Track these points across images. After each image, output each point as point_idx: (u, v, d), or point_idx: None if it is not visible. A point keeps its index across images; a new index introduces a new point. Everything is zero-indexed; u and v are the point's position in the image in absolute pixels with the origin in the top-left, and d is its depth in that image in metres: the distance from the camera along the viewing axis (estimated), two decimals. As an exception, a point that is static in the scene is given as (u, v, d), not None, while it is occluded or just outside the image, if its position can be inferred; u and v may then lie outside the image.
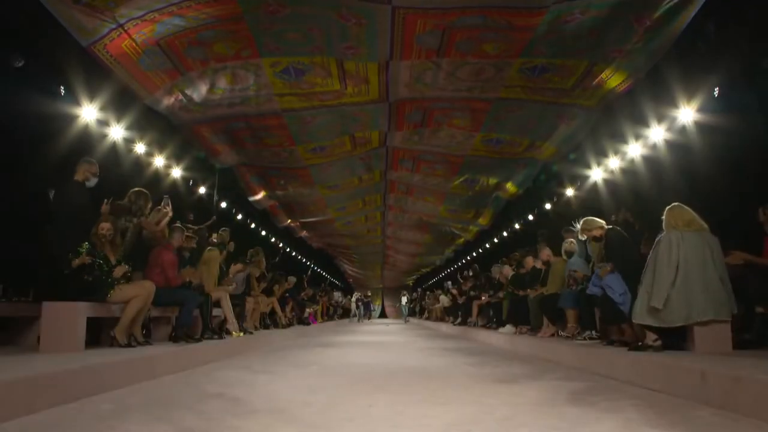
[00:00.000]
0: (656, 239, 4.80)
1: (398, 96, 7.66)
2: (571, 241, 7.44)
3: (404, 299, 28.27)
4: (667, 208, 4.90)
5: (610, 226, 5.67)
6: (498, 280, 10.91)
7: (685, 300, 4.44)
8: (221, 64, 6.58)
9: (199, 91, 7.02)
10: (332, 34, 6.13)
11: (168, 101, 7.05)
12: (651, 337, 4.61)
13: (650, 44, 5.84)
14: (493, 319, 10.65)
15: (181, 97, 7.02)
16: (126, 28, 5.55)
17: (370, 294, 35.27)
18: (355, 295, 30.49)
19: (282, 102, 7.56)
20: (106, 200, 5.63)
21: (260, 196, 11.87)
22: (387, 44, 6.22)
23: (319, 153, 9.72)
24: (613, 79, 6.66)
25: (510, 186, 11.26)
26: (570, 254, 7.47)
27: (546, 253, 8.26)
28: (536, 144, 9.04)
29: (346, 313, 27.38)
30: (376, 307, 38.99)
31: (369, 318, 30.54)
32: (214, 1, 5.47)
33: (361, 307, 27.97)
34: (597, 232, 5.62)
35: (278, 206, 13.29)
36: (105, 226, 5.20)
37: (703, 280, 4.46)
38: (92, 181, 5.55)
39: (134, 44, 5.79)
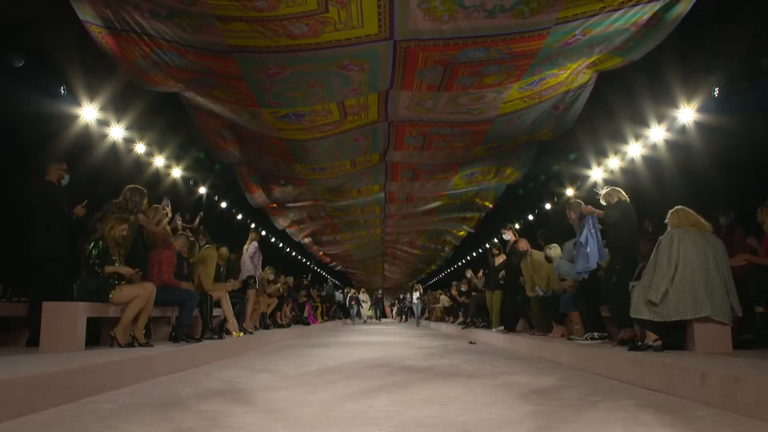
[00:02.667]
0: (659, 238, 4.81)
1: (398, 117, 7.64)
2: (552, 246, 7.59)
3: (416, 295, 21.85)
4: (671, 210, 4.91)
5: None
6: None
7: (682, 296, 4.45)
8: (220, 102, 6.56)
9: (202, 100, 6.96)
10: (333, 85, 6.09)
11: (169, 90, 6.92)
12: (651, 337, 4.61)
13: (646, 37, 5.83)
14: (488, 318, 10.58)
15: (183, 90, 6.90)
16: (124, 34, 5.45)
17: (381, 292, 32.16)
18: (359, 294, 25.63)
19: (282, 134, 7.59)
20: (81, 204, 5.65)
21: (258, 195, 11.83)
22: (388, 77, 6.17)
23: (318, 172, 9.78)
24: (607, 63, 6.66)
25: (509, 171, 11.26)
26: (549, 260, 7.59)
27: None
28: (535, 134, 9.06)
29: (347, 314, 24.38)
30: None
31: (378, 319, 28.03)
32: (212, 56, 5.36)
33: (356, 307, 23.95)
34: (616, 197, 5.62)
35: (276, 207, 13.26)
36: (123, 227, 5.28)
37: (703, 279, 4.47)
38: (66, 179, 5.61)
39: (131, 49, 5.70)
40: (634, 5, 5.11)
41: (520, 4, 4.85)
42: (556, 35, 5.39)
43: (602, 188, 6.01)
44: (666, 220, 4.93)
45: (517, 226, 14.14)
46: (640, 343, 4.72)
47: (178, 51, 5.38)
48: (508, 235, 9.02)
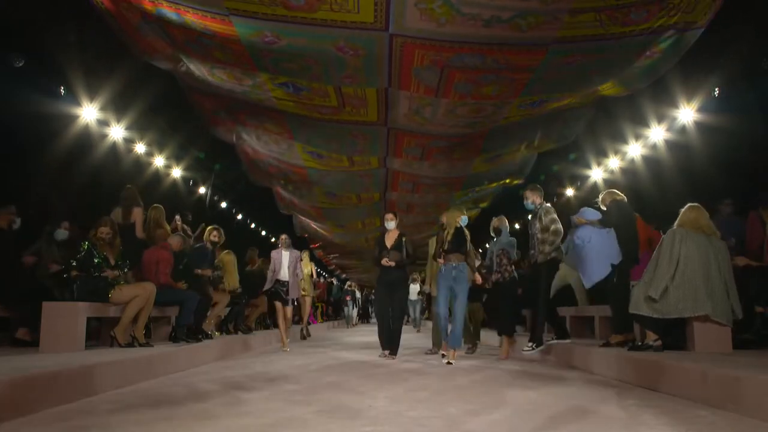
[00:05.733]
0: (662, 237, 4.80)
1: (397, 124, 7.61)
2: (501, 218, 7.02)
3: (414, 289, 15.21)
4: (687, 206, 4.81)
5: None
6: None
7: (682, 294, 4.44)
8: (220, 64, 6.52)
9: (200, 69, 6.89)
10: (330, 66, 6.05)
11: (167, 65, 6.86)
12: (651, 337, 4.61)
13: (650, 68, 5.87)
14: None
15: (181, 64, 6.84)
16: None
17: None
18: (354, 288, 21.39)
19: (280, 104, 7.52)
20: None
21: (262, 178, 11.70)
22: (385, 72, 6.13)
23: (317, 159, 9.68)
24: (609, 91, 6.70)
25: (509, 180, 11.31)
26: (498, 231, 6.85)
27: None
28: (533, 144, 9.08)
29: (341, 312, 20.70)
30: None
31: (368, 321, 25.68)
32: (211, 17, 5.37)
33: (350, 305, 20.01)
34: (610, 198, 5.57)
35: (281, 192, 13.12)
36: (104, 230, 5.28)
37: (704, 278, 4.46)
38: (17, 223, 5.64)
39: (132, 10, 5.63)
40: (636, 36, 5.11)
41: (518, 17, 4.85)
42: (555, 53, 5.40)
43: (601, 193, 5.93)
44: (681, 210, 4.84)
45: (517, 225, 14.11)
46: (640, 343, 4.72)
47: (177, 11, 5.38)
48: (390, 223, 6.70)
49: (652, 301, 4.50)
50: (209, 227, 7.33)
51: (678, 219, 4.80)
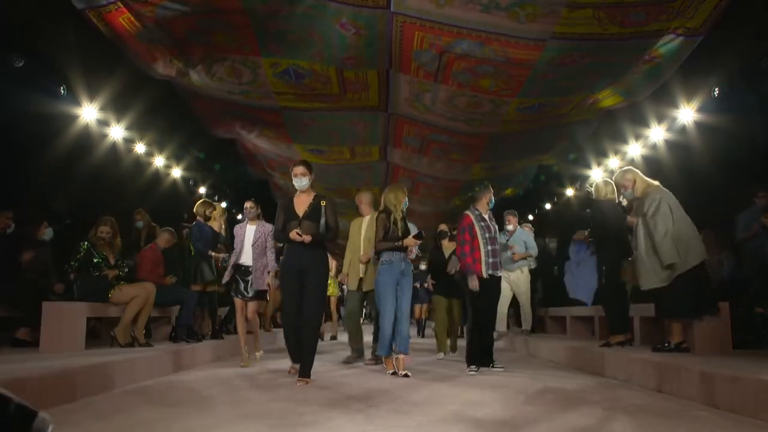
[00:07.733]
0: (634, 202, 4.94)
1: (398, 110, 7.61)
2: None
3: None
4: (597, 183, 5.28)
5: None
6: None
7: (686, 239, 4.47)
8: (222, 55, 6.53)
9: (199, 72, 6.88)
10: (332, 43, 6.08)
11: (168, 72, 6.88)
12: (676, 338, 4.47)
13: (649, 74, 5.88)
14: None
15: (181, 68, 6.86)
16: (127, 4, 5.41)
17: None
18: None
19: (280, 100, 7.51)
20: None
21: (261, 171, 11.66)
22: (386, 53, 6.17)
23: (317, 155, 9.67)
24: (608, 100, 6.72)
25: (509, 191, 11.33)
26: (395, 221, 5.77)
27: None
28: (534, 159, 9.14)
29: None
30: None
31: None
32: None
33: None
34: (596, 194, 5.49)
35: (278, 184, 13.06)
36: (104, 230, 5.31)
37: (680, 224, 4.57)
38: (11, 228, 5.61)
39: (133, 19, 5.66)
40: (634, 38, 5.12)
41: (515, 6, 4.87)
42: (552, 50, 5.42)
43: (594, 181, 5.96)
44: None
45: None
46: (667, 344, 4.53)
47: (181, 1, 5.41)
48: (302, 180, 4.82)
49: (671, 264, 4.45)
50: (200, 201, 6.88)
51: (596, 202, 5.20)
